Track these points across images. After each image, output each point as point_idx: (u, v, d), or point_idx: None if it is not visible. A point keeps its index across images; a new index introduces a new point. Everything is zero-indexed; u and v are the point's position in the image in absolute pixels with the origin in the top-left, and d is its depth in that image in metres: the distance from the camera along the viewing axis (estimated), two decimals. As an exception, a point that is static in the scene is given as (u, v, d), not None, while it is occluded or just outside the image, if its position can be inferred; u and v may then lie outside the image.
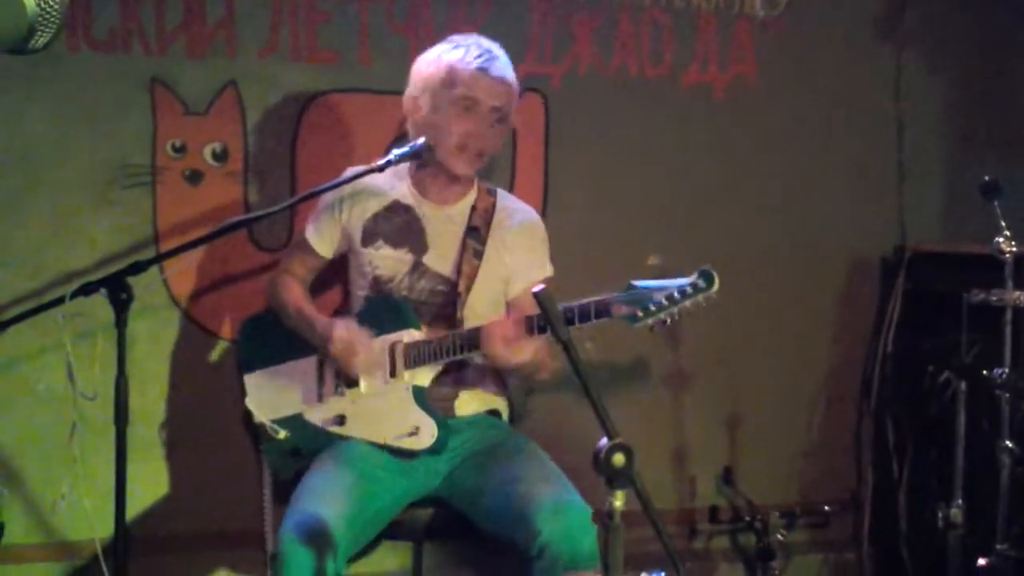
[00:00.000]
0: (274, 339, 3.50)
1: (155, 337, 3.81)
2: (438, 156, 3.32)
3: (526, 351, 3.05)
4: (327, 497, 3.05)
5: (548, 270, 3.46)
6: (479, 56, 3.27)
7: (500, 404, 3.50)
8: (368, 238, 3.39)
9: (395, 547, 3.71)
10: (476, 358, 3.20)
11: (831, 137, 4.43)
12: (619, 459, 2.13)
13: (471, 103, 3.27)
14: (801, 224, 4.42)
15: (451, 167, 3.33)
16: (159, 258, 3.36)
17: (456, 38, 3.35)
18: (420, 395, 3.24)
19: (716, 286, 2.82)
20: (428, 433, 3.21)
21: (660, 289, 2.84)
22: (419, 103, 3.33)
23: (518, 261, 3.42)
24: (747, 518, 4.24)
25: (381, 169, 3.22)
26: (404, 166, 3.39)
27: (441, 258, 3.36)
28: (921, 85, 4.53)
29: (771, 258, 4.37)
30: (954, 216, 4.54)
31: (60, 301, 3.13)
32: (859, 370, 4.53)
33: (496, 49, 3.33)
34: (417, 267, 3.36)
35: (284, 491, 3.32)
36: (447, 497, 3.29)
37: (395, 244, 3.37)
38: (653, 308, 2.84)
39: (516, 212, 3.45)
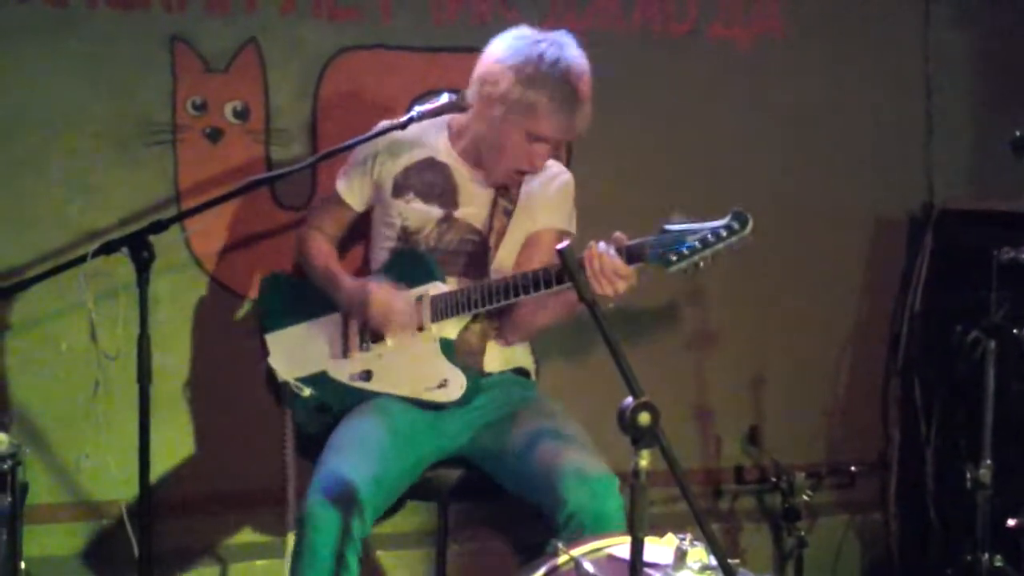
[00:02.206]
0: (295, 297, 3.49)
1: (177, 296, 3.80)
2: (485, 160, 3.31)
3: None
4: (355, 457, 3.05)
5: (572, 227, 3.44)
6: (565, 94, 3.14)
7: (527, 361, 3.49)
8: (399, 190, 3.37)
9: (420, 507, 3.70)
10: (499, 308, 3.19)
11: (858, 92, 4.39)
12: (645, 418, 2.10)
13: (540, 138, 3.21)
14: (827, 181, 4.38)
15: (486, 177, 3.33)
16: (180, 216, 3.35)
17: (543, 48, 3.16)
18: (448, 348, 3.23)
19: (750, 228, 2.79)
20: (457, 385, 3.20)
21: (693, 232, 2.82)
22: (487, 103, 3.20)
23: (543, 209, 3.39)
24: (773, 478, 4.22)
25: (404, 126, 3.20)
26: (442, 120, 3.37)
27: (471, 213, 3.34)
28: (949, 39, 4.47)
29: (797, 216, 4.34)
30: (983, 173, 4.49)
31: (82, 260, 3.14)
32: (886, 329, 4.50)
33: (579, 77, 3.17)
34: (447, 219, 3.34)
35: (307, 447, 3.32)
36: (473, 457, 3.28)
37: (426, 198, 3.35)
38: (687, 252, 2.81)
39: (546, 168, 3.42)
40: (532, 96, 3.13)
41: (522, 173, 3.31)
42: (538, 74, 3.13)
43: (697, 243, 2.81)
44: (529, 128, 3.17)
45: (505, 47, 3.21)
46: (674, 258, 2.83)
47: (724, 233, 2.80)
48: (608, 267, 2.90)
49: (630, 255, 2.90)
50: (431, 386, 3.23)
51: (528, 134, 3.18)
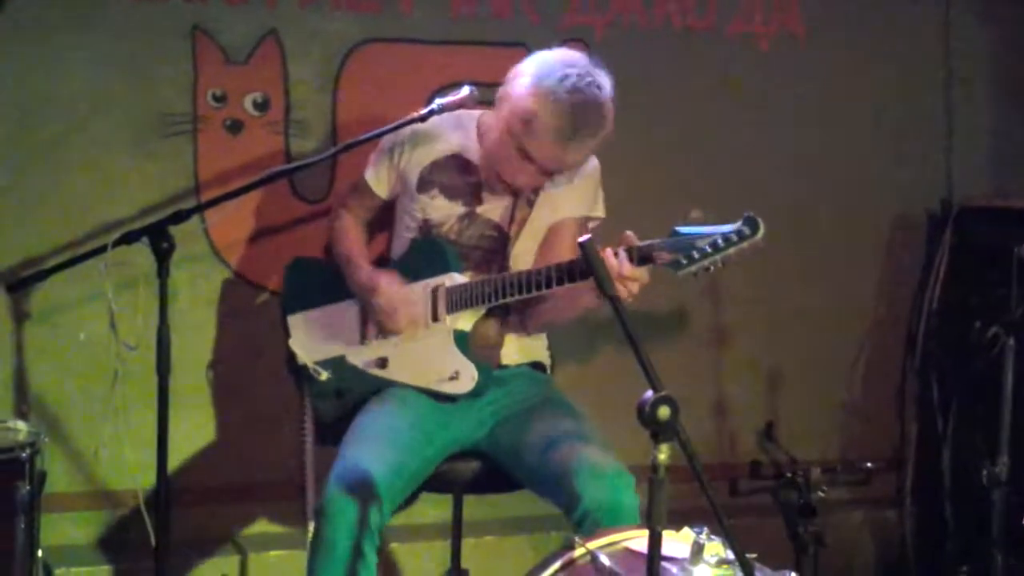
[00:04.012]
0: (319, 281, 3.50)
1: (196, 287, 3.82)
2: (482, 157, 3.28)
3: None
4: (374, 449, 3.05)
5: (599, 211, 3.41)
6: (566, 122, 3.05)
7: (543, 355, 3.48)
8: (424, 185, 3.35)
9: (435, 499, 3.70)
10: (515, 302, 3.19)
11: (878, 89, 4.38)
12: (664, 412, 2.10)
13: (528, 157, 3.13)
14: (846, 178, 4.37)
15: (485, 175, 3.30)
16: (200, 207, 3.36)
17: (571, 73, 3.06)
18: (462, 340, 3.22)
19: (761, 233, 2.76)
20: (468, 377, 3.19)
21: (704, 236, 2.79)
22: (501, 100, 3.17)
23: (566, 197, 3.34)
24: (788, 474, 4.20)
25: (424, 119, 3.19)
26: (469, 119, 3.35)
27: (494, 209, 3.33)
28: (970, 36, 4.46)
29: (816, 212, 4.33)
30: (1003, 170, 4.47)
31: (102, 250, 3.15)
32: (904, 326, 4.49)
33: (594, 116, 3.09)
34: (469, 215, 3.33)
35: (325, 434, 3.33)
36: (490, 451, 3.28)
37: (450, 195, 3.33)
38: (697, 255, 2.78)
39: None
40: (535, 110, 3.06)
41: (507, 185, 3.26)
42: (551, 92, 3.05)
43: (708, 247, 2.78)
44: (520, 142, 3.10)
45: (542, 58, 3.15)
46: (684, 262, 2.80)
47: (735, 238, 2.77)
48: (614, 271, 2.88)
49: (640, 257, 2.88)
50: (443, 378, 3.23)
51: (519, 148, 3.12)
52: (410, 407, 3.22)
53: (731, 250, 2.78)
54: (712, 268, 2.81)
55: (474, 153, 3.34)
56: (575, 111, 3.05)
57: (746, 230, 2.77)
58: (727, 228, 2.78)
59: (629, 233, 2.92)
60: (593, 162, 3.39)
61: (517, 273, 3.13)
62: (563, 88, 3.05)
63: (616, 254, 2.88)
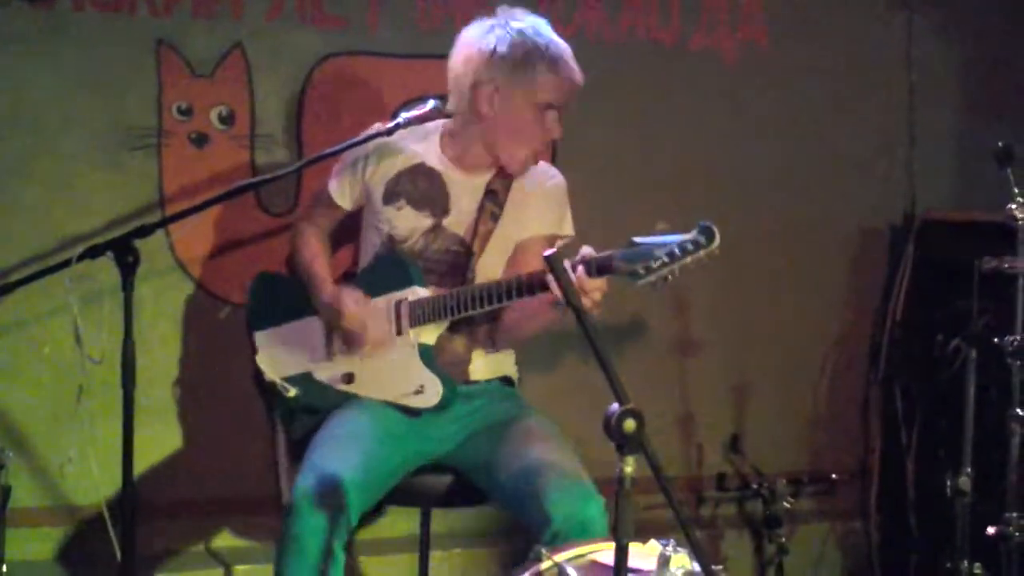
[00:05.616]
0: (285, 296, 3.49)
1: (161, 300, 3.79)
2: (499, 151, 3.30)
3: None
4: (341, 451, 3.06)
5: (567, 229, 3.43)
6: (555, 55, 3.20)
7: (511, 369, 3.48)
8: (390, 197, 3.36)
9: (403, 512, 3.70)
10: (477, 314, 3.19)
11: (841, 103, 4.41)
12: (630, 424, 2.11)
13: (548, 108, 3.23)
14: (810, 191, 4.40)
15: (510, 167, 3.32)
16: (165, 221, 3.34)
17: (517, 20, 3.24)
18: (427, 353, 3.22)
19: (717, 241, 2.78)
20: (433, 391, 3.19)
21: (661, 245, 2.80)
22: (482, 92, 3.23)
23: (533, 215, 3.38)
24: (754, 486, 4.23)
25: (390, 132, 3.20)
26: (433, 129, 3.37)
27: (460, 221, 3.34)
28: (933, 50, 4.50)
29: (780, 225, 4.35)
30: (965, 183, 4.51)
31: (67, 264, 3.12)
32: (868, 338, 4.52)
33: (555, 37, 3.25)
34: (435, 228, 3.34)
35: (298, 450, 3.32)
36: (459, 465, 3.28)
37: (417, 206, 3.34)
38: (654, 265, 2.79)
39: (536, 174, 3.41)
40: (521, 67, 3.18)
41: (541, 147, 3.35)
42: (514, 40, 3.19)
43: (664, 257, 2.78)
44: (539, 100, 3.21)
45: (466, 43, 3.27)
46: (642, 271, 2.80)
47: (691, 247, 2.78)
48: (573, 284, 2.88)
49: (599, 268, 2.88)
50: (408, 392, 3.23)
51: (535, 105, 3.21)
52: (377, 416, 3.21)
53: (688, 259, 2.79)
54: (670, 278, 2.82)
55: (437, 162, 3.36)
56: (540, 42, 3.21)
57: (702, 239, 2.78)
58: (683, 237, 2.80)
59: (586, 248, 2.92)
60: (558, 178, 3.43)
61: (478, 286, 3.13)
62: (512, 36, 3.22)
63: (574, 268, 2.89)
